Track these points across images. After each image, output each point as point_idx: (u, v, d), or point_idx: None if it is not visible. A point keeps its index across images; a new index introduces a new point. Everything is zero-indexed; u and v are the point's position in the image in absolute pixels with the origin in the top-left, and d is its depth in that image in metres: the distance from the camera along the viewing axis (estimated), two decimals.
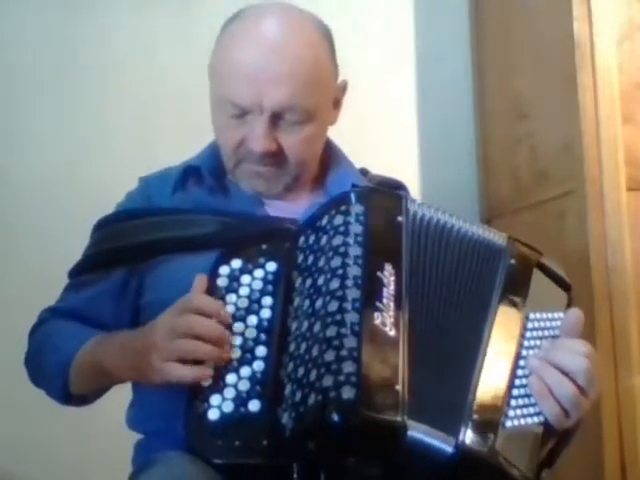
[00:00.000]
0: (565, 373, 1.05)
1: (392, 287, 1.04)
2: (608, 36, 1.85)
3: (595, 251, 1.78)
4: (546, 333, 1.12)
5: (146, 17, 2.08)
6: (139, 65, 2.07)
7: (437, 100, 2.26)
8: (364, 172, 1.45)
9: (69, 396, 1.26)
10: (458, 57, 2.29)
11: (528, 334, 1.10)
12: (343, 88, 1.35)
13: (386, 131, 2.20)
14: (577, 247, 1.82)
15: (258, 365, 1.07)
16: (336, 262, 1.05)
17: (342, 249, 1.06)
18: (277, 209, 1.31)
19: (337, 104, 1.35)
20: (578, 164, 1.83)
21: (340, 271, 1.04)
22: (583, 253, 1.79)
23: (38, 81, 2.03)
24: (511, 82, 2.13)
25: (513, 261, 1.15)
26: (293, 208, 1.30)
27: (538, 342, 1.10)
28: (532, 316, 1.12)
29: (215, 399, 1.05)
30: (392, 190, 1.29)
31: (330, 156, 1.39)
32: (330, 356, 0.98)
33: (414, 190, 2.09)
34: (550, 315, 1.13)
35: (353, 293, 1.02)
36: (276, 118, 1.25)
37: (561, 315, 1.14)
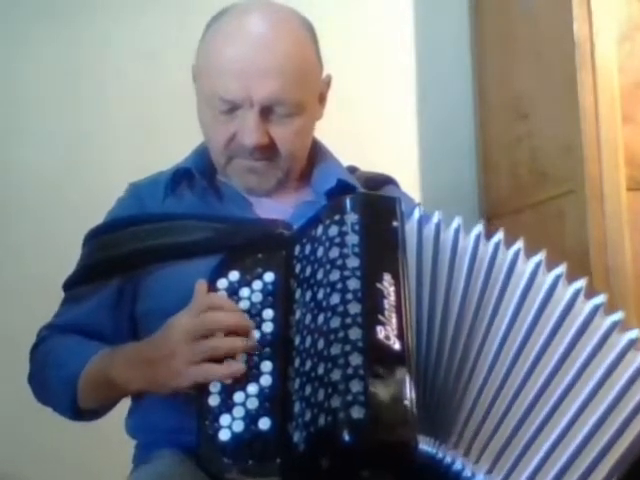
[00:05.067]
0: None
1: (392, 297, 1.02)
2: (608, 36, 1.85)
3: (595, 251, 1.79)
4: None
5: (146, 18, 2.09)
6: (139, 64, 2.07)
7: (437, 100, 2.26)
8: (352, 169, 1.44)
9: (79, 412, 1.25)
10: (458, 57, 2.29)
11: None
12: (327, 83, 1.35)
13: (386, 131, 2.20)
14: (577, 247, 1.82)
15: (265, 381, 1.06)
16: (334, 276, 1.03)
17: (339, 262, 1.04)
18: (266, 209, 1.30)
19: (322, 99, 1.35)
20: (578, 164, 1.83)
21: (339, 285, 1.02)
22: (583, 253, 1.79)
23: (39, 80, 2.04)
24: (511, 82, 2.13)
25: None
26: (281, 207, 1.30)
27: None
28: None
29: (225, 419, 1.03)
30: (387, 195, 1.25)
31: (316, 154, 1.39)
32: (336, 375, 0.96)
33: (414, 190, 2.10)
34: None
35: (354, 308, 1.00)
36: (266, 111, 1.25)
37: None
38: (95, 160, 2.02)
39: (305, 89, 1.27)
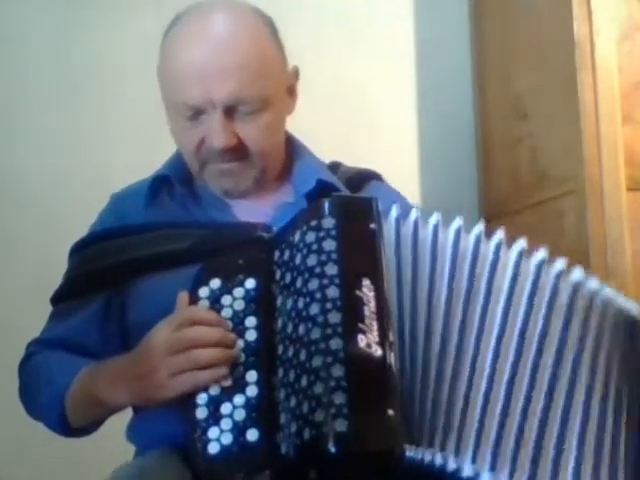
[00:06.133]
0: None
1: (372, 304, 1.00)
2: (608, 36, 1.86)
3: (595, 251, 1.79)
4: None
5: (146, 18, 2.09)
6: (138, 66, 2.07)
7: (437, 100, 2.26)
8: (336, 165, 1.41)
9: (69, 428, 1.24)
10: (458, 57, 2.29)
11: None
12: (295, 74, 1.33)
13: (386, 131, 2.20)
14: (577, 247, 1.82)
15: (251, 391, 1.05)
16: (313, 284, 1.02)
17: (317, 269, 1.02)
18: (245, 211, 1.29)
19: (292, 92, 1.33)
20: (578, 164, 1.84)
21: (318, 294, 1.01)
22: (583, 253, 1.79)
23: (39, 80, 2.04)
24: (511, 82, 2.13)
25: None
26: (260, 209, 1.28)
27: None
28: None
29: (213, 432, 1.03)
30: (363, 197, 1.23)
31: (293, 151, 1.37)
32: (319, 388, 0.96)
33: (414, 190, 2.10)
34: None
35: (334, 317, 0.99)
36: (230, 111, 1.23)
37: None
38: (95, 160, 2.02)
39: (267, 84, 1.25)
